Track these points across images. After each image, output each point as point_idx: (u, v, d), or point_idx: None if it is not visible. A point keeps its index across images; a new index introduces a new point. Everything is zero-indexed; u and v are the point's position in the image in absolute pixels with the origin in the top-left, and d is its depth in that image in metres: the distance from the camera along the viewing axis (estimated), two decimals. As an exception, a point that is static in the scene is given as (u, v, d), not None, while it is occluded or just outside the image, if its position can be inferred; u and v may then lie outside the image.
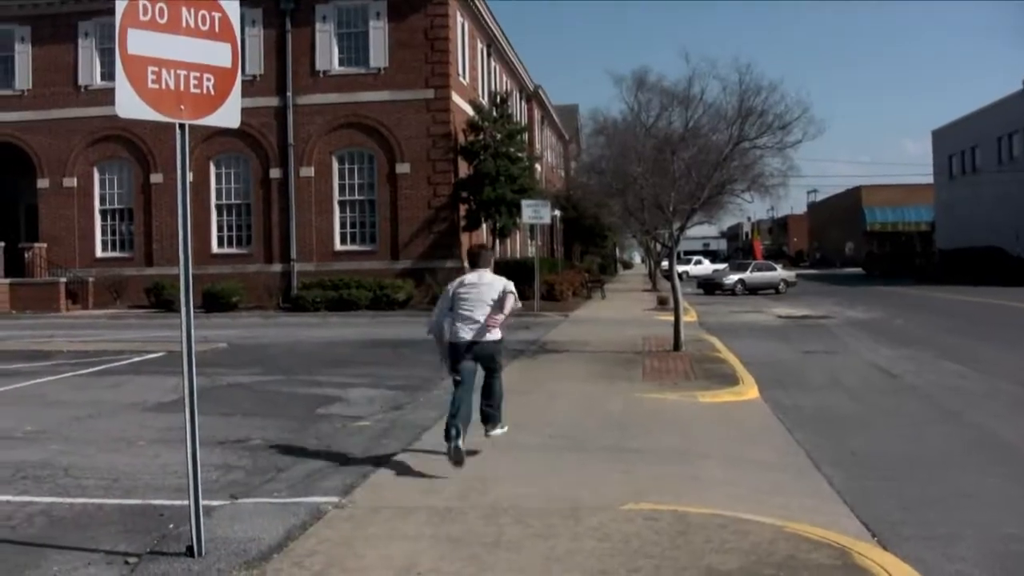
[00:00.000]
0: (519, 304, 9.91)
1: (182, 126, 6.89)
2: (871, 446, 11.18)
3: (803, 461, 10.30)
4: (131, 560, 6.69)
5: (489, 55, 47.43)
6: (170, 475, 9.23)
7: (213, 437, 10.92)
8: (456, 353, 9.60)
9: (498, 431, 10.05)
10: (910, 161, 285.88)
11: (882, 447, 11.16)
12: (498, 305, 9.54)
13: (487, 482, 8.75)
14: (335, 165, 38.89)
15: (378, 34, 38.19)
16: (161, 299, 36.64)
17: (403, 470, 9.43)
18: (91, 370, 18.17)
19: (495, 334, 9.68)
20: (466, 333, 9.54)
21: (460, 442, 8.98)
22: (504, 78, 51.83)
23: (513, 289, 9.73)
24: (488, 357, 9.77)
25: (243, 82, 7.28)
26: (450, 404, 9.48)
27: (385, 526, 7.38)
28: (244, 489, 8.78)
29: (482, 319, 9.52)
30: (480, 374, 9.89)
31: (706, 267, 78.68)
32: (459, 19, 40.40)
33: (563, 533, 7.09)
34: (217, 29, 7.01)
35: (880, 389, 15.74)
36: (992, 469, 9.95)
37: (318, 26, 38.50)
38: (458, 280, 9.96)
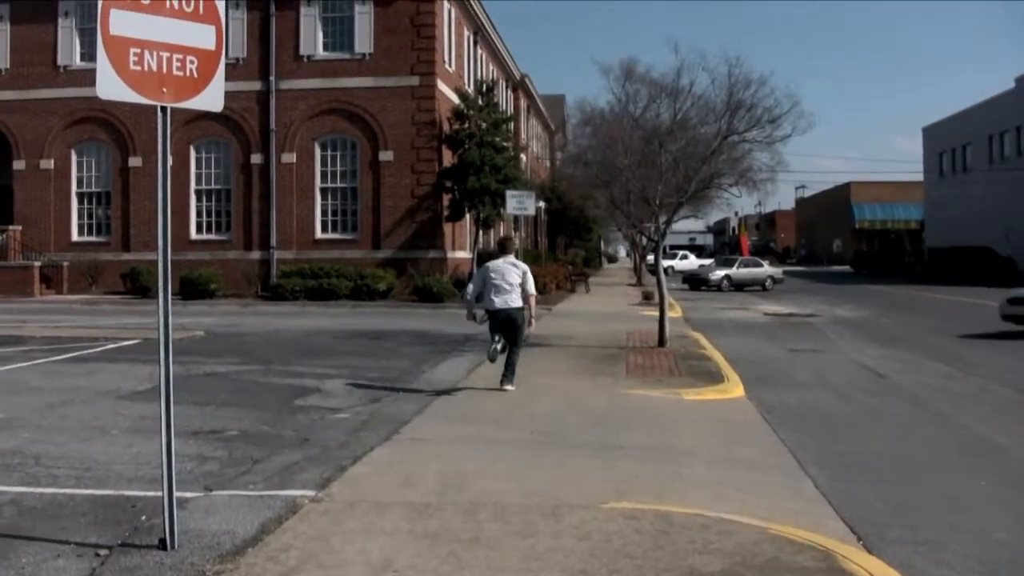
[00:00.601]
0: (533, 287, 13.96)
1: (164, 109, 6.75)
2: (857, 447, 11.11)
3: (788, 461, 10.21)
4: (102, 552, 6.55)
5: (475, 43, 47.22)
6: (143, 465, 9.04)
7: (188, 427, 10.76)
8: (491, 316, 13.78)
9: (509, 387, 13.54)
10: (900, 158, 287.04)
11: (868, 448, 11.08)
12: (521, 284, 13.64)
13: (466, 477, 8.63)
14: (317, 151, 38.57)
15: (363, 19, 37.90)
16: (137, 285, 36.32)
17: (381, 464, 9.30)
18: (65, 356, 17.94)
19: (517, 302, 13.64)
20: (498, 302, 13.58)
21: (496, 350, 13.56)
22: (490, 66, 51.64)
23: (528, 269, 13.99)
24: (511, 319, 13.67)
25: (226, 65, 7.13)
26: (491, 342, 13.75)
27: (362, 521, 7.24)
28: (219, 481, 8.62)
29: (508, 290, 13.56)
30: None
31: (692, 262, 78.51)
32: (446, 5, 40.11)
33: (543, 531, 6.97)
34: (201, 11, 6.87)
35: (867, 389, 15.68)
36: (980, 472, 9.88)
37: (303, 10, 38.15)
38: (491, 263, 14.01)
